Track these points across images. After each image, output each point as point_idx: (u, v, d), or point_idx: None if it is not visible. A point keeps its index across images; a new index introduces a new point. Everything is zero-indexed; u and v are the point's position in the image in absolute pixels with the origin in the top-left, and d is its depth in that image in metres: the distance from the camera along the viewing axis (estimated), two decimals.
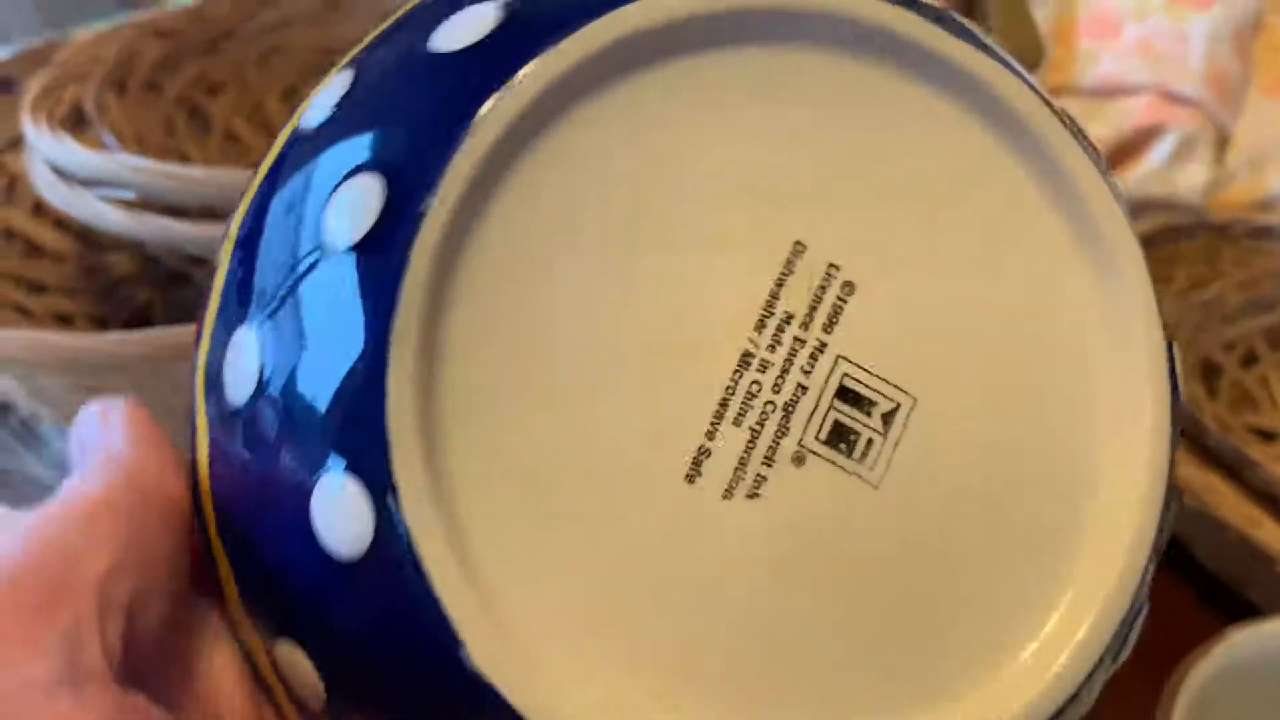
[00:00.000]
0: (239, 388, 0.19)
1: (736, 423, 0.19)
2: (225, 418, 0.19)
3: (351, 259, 0.18)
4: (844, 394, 0.19)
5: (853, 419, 0.19)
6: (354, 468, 0.17)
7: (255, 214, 0.20)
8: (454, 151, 0.18)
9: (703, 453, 0.19)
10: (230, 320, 0.19)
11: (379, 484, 0.17)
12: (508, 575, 0.18)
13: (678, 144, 0.19)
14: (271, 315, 0.18)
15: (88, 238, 0.46)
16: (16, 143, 0.49)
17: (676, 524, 0.19)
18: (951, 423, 0.20)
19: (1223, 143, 0.61)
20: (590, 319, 0.18)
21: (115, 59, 0.45)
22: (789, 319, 0.19)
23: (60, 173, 0.39)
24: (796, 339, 0.19)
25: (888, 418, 0.19)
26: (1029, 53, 0.46)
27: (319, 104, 0.20)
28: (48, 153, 0.39)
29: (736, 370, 0.19)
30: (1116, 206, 0.21)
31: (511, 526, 0.18)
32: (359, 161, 0.18)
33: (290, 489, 0.18)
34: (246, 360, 0.19)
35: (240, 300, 0.19)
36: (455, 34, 0.19)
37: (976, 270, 0.20)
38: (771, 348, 0.19)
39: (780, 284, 0.19)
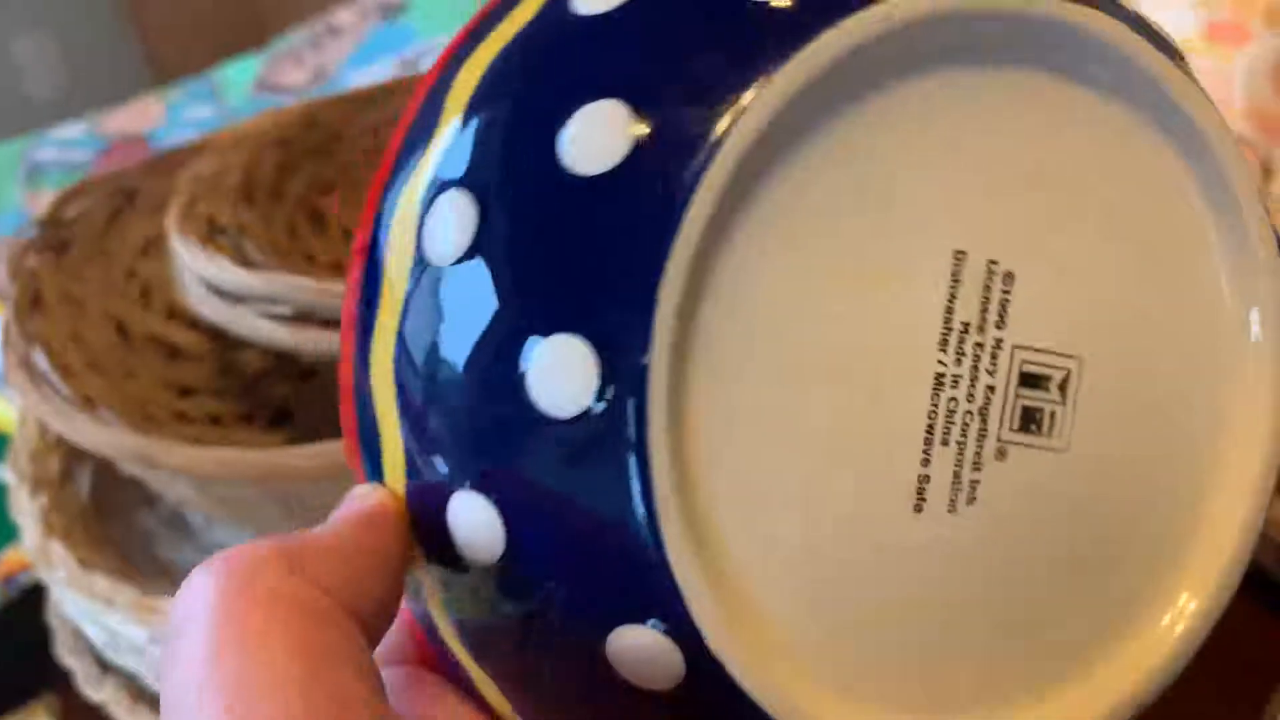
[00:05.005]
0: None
1: (944, 442, 0.20)
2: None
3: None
4: (1025, 380, 0.20)
5: (1037, 399, 0.21)
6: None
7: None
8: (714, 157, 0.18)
9: (924, 480, 0.20)
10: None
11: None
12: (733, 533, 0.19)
13: (887, 171, 0.20)
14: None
15: (220, 337, 0.49)
16: (146, 249, 0.52)
17: (907, 549, 0.20)
18: (1114, 379, 0.21)
19: (1268, 174, 0.63)
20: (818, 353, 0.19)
21: (242, 171, 0.48)
22: (966, 328, 0.20)
23: (217, 290, 0.42)
24: (976, 344, 0.20)
25: (1063, 386, 0.21)
26: None
27: None
28: (204, 273, 0.42)
29: (934, 393, 0.20)
30: (1265, 220, 0.21)
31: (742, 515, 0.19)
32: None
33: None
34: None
35: None
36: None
37: (1121, 242, 0.21)
38: (958, 360, 0.20)
39: (953, 296, 0.20)
